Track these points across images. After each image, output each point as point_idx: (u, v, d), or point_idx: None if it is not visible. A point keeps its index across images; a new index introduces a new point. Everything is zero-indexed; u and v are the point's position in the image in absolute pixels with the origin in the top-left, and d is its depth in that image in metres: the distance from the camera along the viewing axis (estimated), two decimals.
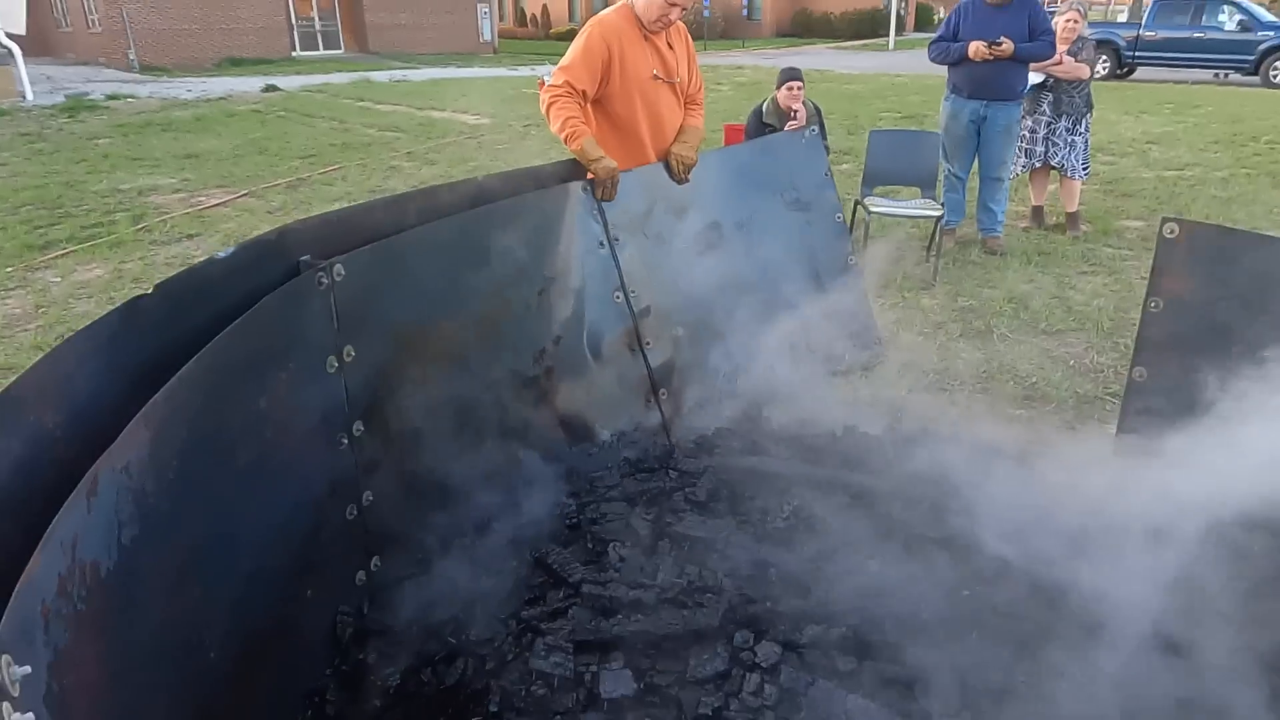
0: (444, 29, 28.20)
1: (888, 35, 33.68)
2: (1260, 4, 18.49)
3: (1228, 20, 17.08)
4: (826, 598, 1.70)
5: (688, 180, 3.10)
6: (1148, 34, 17.39)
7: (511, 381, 2.55)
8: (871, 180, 5.48)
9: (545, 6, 39.78)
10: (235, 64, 22.44)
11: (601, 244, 2.83)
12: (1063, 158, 5.61)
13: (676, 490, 2.20)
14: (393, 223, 2.42)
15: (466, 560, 2.04)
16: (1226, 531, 2.08)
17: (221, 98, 15.44)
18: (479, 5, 29.24)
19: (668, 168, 3.07)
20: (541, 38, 38.18)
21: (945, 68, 5.47)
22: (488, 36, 29.72)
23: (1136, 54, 17.28)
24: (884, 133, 5.73)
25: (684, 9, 2.89)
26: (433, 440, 2.27)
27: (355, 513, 2.18)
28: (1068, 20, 5.33)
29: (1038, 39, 5.05)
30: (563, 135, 2.82)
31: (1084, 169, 5.72)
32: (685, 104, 3.26)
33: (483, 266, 2.48)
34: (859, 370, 3.85)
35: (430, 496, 2.27)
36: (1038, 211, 6.16)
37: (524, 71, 21.48)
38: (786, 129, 4.85)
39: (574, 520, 2.15)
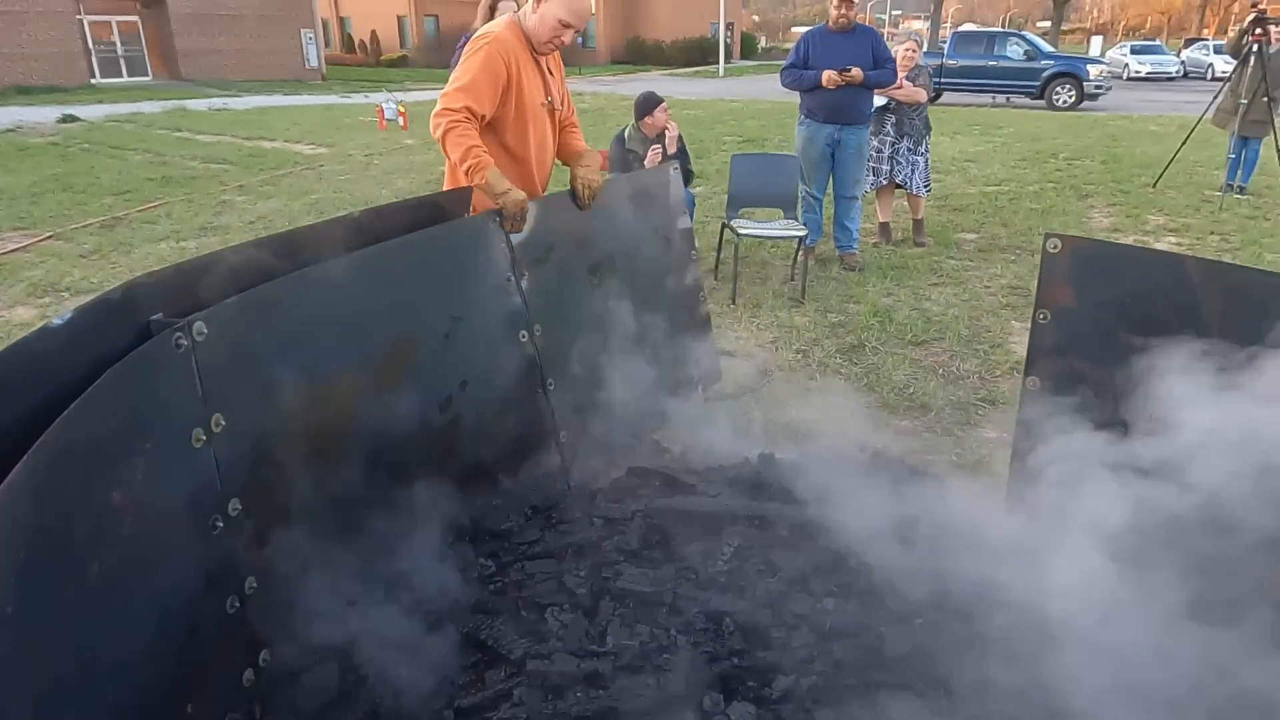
0: (265, 55, 26.72)
1: (717, 63, 35.17)
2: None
3: (1016, 51, 19.04)
4: (789, 644, 1.62)
5: (590, 207, 2.95)
6: (950, 62, 19.06)
7: (416, 436, 2.33)
8: (736, 203, 5.58)
9: (374, 33, 38.61)
10: (23, 92, 20.19)
11: (509, 279, 2.65)
12: (906, 175, 5.98)
13: (605, 540, 2.06)
14: (257, 269, 2.14)
15: (379, 642, 1.81)
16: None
17: (10, 129, 13.80)
18: (303, 30, 27.95)
19: (573, 194, 2.90)
20: (372, 64, 37.00)
21: (791, 92, 5.69)
22: (314, 63, 28.44)
23: (942, 80, 18.87)
24: (746, 156, 5.87)
25: (577, 31, 2.78)
26: (327, 510, 2.02)
27: (237, 604, 1.89)
28: (906, 49, 5.70)
29: (881, 66, 5.35)
30: (464, 166, 2.61)
31: (926, 186, 6.12)
32: (562, 128, 3.15)
33: (382, 310, 2.24)
34: (747, 393, 3.88)
35: (327, 573, 2.01)
36: (885, 227, 6.50)
37: (358, 99, 20.66)
38: (649, 156, 4.84)
39: (498, 584, 1.96)
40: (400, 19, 39.27)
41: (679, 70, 35.51)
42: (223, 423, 1.83)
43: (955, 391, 3.98)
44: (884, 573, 1.86)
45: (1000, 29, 27.28)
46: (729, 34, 39.35)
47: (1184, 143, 8.77)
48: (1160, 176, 8.71)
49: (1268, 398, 1.93)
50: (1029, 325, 4.94)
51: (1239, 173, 8.08)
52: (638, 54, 38.30)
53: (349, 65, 35.75)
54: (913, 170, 5.99)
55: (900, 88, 5.63)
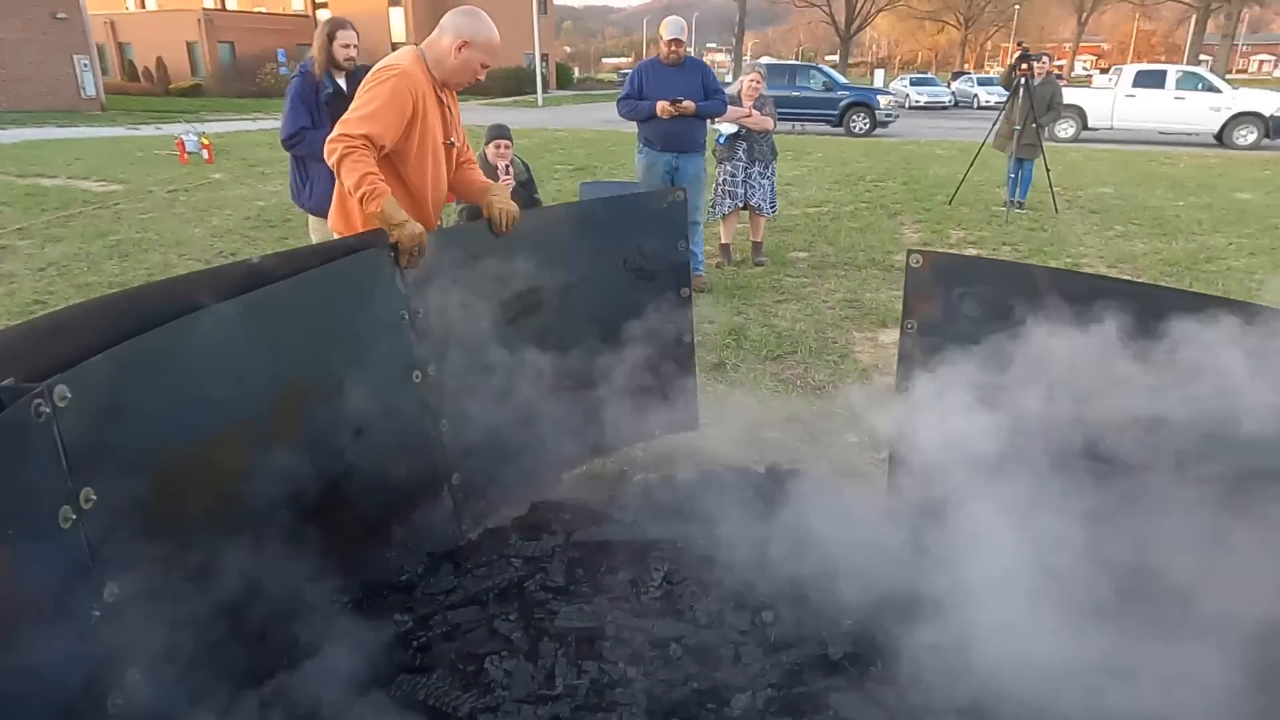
0: (31, 83, 23.99)
1: (535, 92, 35.43)
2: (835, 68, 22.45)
3: (815, 82, 20.57)
4: (739, 660, 1.64)
5: (509, 233, 2.82)
6: None
7: (312, 490, 2.16)
8: None
9: (160, 60, 35.66)
10: None
11: (404, 316, 2.51)
12: (758, 198, 6.30)
13: (527, 579, 2.00)
14: (120, 324, 1.92)
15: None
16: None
17: None
18: (76, 57, 25.35)
19: (490, 222, 2.79)
20: (160, 93, 34.14)
21: (616, 121, 5.86)
22: (92, 92, 25.84)
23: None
24: (595, 184, 5.96)
25: (489, 69, 2.76)
26: (222, 581, 1.83)
27: (120, 701, 1.68)
28: (751, 80, 6.03)
29: (711, 97, 5.61)
30: (359, 192, 2.48)
31: (772, 207, 6.48)
32: (459, 165, 3.03)
33: (272, 357, 2.07)
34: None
35: (229, 654, 1.82)
36: (726, 249, 6.79)
37: (149, 131, 18.98)
38: (500, 184, 4.80)
39: (421, 639, 1.85)
40: (191, 45, 36.60)
41: (498, 100, 35.44)
42: (94, 497, 1.63)
43: (815, 402, 4.20)
44: (807, 578, 1.94)
45: (798, 62, 29.38)
46: (544, 64, 39.78)
47: (971, 165, 9.81)
48: (954, 195, 9.68)
49: (1098, 379, 2.18)
50: (869, 335, 5.32)
51: (1018, 190, 9.13)
52: None
53: (133, 94, 32.75)
54: (762, 192, 6.36)
55: (750, 116, 5.95)
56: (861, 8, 48.78)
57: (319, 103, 4.16)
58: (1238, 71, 51.52)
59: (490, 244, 2.84)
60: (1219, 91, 17.94)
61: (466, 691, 1.63)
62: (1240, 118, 17.49)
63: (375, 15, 38.73)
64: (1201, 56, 39.23)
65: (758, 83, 6.07)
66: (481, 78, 2.80)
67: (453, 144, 2.89)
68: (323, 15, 43.70)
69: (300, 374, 2.17)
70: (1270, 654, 1.67)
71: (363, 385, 2.37)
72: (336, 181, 2.76)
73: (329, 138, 2.54)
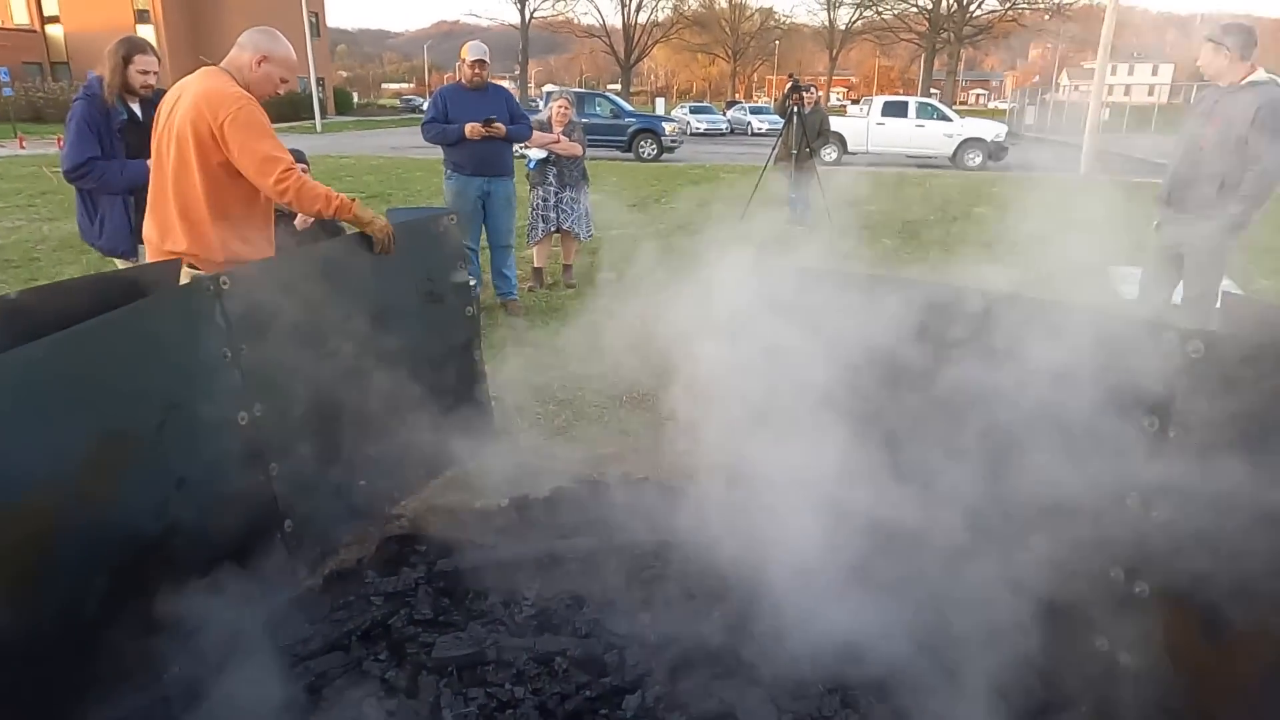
0: None
1: (313, 118, 33.68)
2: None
3: (604, 110, 21.21)
4: (624, 663, 1.68)
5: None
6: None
7: (131, 554, 1.94)
8: None
9: None
10: None
11: (225, 354, 2.31)
12: (571, 222, 6.39)
13: (391, 616, 1.92)
14: None
15: None
16: None
17: None
18: None
19: (371, 241, 2.85)
20: None
21: (402, 149, 5.80)
22: None
23: None
24: (400, 210, 5.76)
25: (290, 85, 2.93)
26: (35, 656, 1.61)
27: None
28: (559, 107, 6.12)
29: (517, 122, 5.66)
30: (332, 207, 2.75)
31: (587, 231, 6.61)
32: None
33: (80, 405, 1.84)
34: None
35: None
36: (538, 272, 6.84)
37: None
38: (298, 219, 4.55)
39: (290, 693, 1.72)
40: None
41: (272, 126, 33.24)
42: None
43: (644, 415, 4.34)
44: (673, 577, 2.02)
45: (584, 90, 30.17)
46: (321, 89, 37.95)
47: (756, 187, 10.55)
48: (744, 213, 10.36)
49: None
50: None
51: (797, 209, 9.95)
52: None
53: None
54: (575, 216, 6.45)
55: (559, 142, 6.03)
56: (639, 39, 51.03)
57: (111, 130, 3.70)
58: (960, 103, 59.29)
59: (306, 274, 2.72)
60: (951, 120, 20.56)
61: None
62: (969, 143, 20.14)
63: (121, 30, 35.08)
64: (931, 90, 44.76)
65: (566, 109, 6.19)
66: (281, 92, 2.94)
67: None
68: (54, 30, 39.03)
69: (117, 421, 1.96)
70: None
71: (184, 432, 2.17)
72: (167, 211, 2.82)
73: (273, 183, 2.68)
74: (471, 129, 5.40)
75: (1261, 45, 4.23)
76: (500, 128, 5.44)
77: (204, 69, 2.83)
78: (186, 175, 2.78)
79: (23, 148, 19.26)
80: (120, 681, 1.75)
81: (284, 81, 2.88)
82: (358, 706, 1.62)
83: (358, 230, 2.88)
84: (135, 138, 3.68)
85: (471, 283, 5.40)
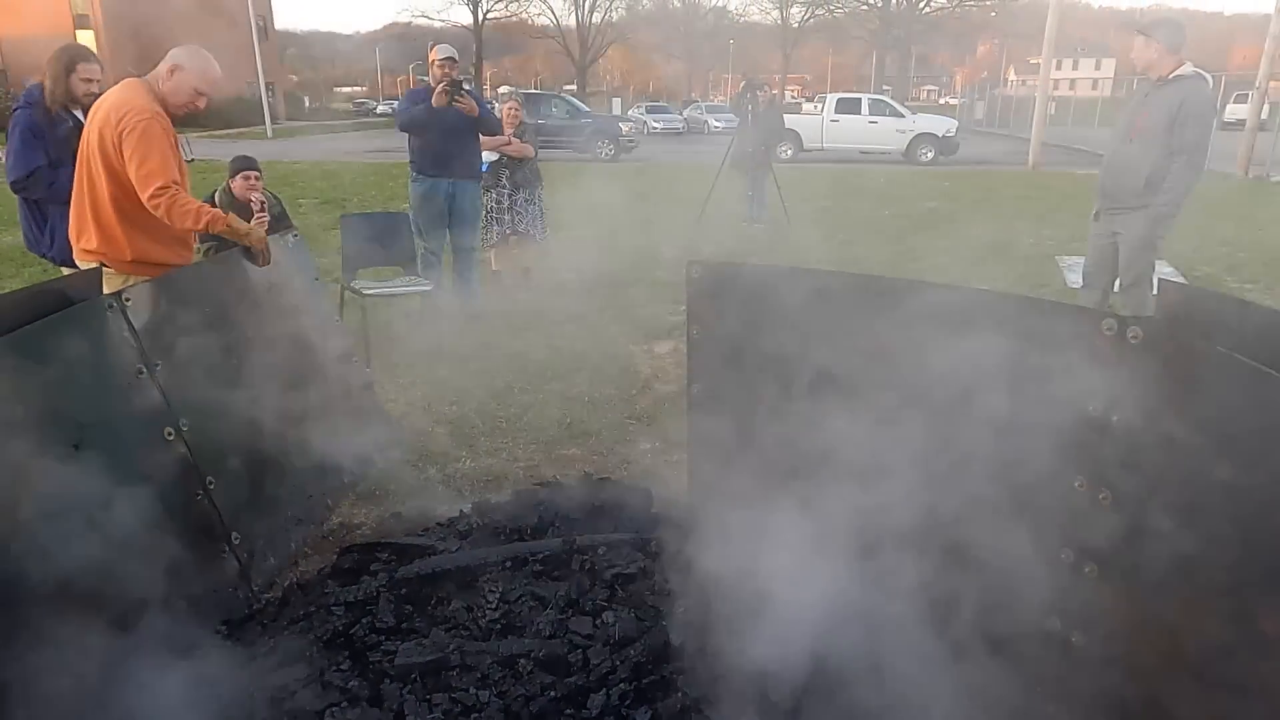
0: None
1: (263, 123, 33.08)
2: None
3: (560, 110, 21.17)
4: (588, 663, 1.69)
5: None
6: None
7: (55, 587, 1.89)
8: (351, 264, 5.40)
9: None
10: None
11: (141, 371, 2.28)
12: (526, 224, 6.36)
13: (352, 626, 1.90)
14: None
15: None
16: None
17: None
18: None
19: (249, 253, 2.98)
20: None
21: (357, 154, 5.72)
22: None
23: None
24: (356, 217, 5.71)
25: (209, 98, 2.99)
26: None
27: None
28: (509, 108, 6.09)
29: (482, 110, 5.61)
30: (203, 222, 2.83)
31: (542, 232, 6.58)
32: None
33: None
34: (409, 452, 3.79)
35: None
36: (498, 275, 6.81)
37: None
38: (254, 222, 4.49)
39: (243, 709, 1.70)
40: None
41: (220, 132, 32.57)
42: None
43: (606, 415, 4.35)
44: (635, 577, 2.03)
45: (540, 90, 30.07)
46: (270, 93, 37.28)
47: (713, 185, 10.61)
48: (701, 214, 10.42)
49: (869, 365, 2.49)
50: (645, 349, 5.59)
51: (754, 206, 10.03)
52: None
53: None
54: (531, 219, 6.42)
55: (510, 144, 5.99)
56: (594, 40, 50.92)
57: (58, 138, 3.64)
58: (912, 99, 60.28)
59: (207, 288, 2.86)
60: (903, 116, 20.89)
61: None
62: (921, 138, 20.49)
63: (60, 36, 34.14)
64: (884, 86, 45.43)
65: (516, 109, 6.17)
66: (199, 105, 3.02)
67: (191, 160, 2.97)
68: None
69: (24, 446, 1.91)
70: None
71: (107, 453, 2.13)
72: (83, 210, 2.96)
73: (148, 199, 2.76)
74: (438, 97, 5.28)
75: (1192, 40, 4.38)
76: (470, 103, 5.37)
77: (126, 80, 2.95)
78: (97, 179, 2.90)
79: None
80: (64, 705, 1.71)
81: (200, 94, 2.94)
82: (321, 718, 1.60)
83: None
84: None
85: (428, 287, 5.39)
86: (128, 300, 2.24)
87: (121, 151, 2.80)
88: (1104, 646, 1.93)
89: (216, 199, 4.74)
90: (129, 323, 2.25)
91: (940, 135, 20.42)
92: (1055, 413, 1.91)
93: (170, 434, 2.39)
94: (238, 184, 4.70)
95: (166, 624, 2.20)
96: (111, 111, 2.84)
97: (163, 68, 2.91)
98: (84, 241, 3.00)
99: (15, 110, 3.70)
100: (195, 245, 4.76)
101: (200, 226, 2.86)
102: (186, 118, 3.09)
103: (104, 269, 2.89)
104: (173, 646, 2.09)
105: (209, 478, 2.54)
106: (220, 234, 2.95)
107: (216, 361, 2.73)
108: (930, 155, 20.36)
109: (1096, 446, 1.87)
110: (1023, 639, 2.03)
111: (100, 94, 3.80)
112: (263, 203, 4.81)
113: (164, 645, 2.04)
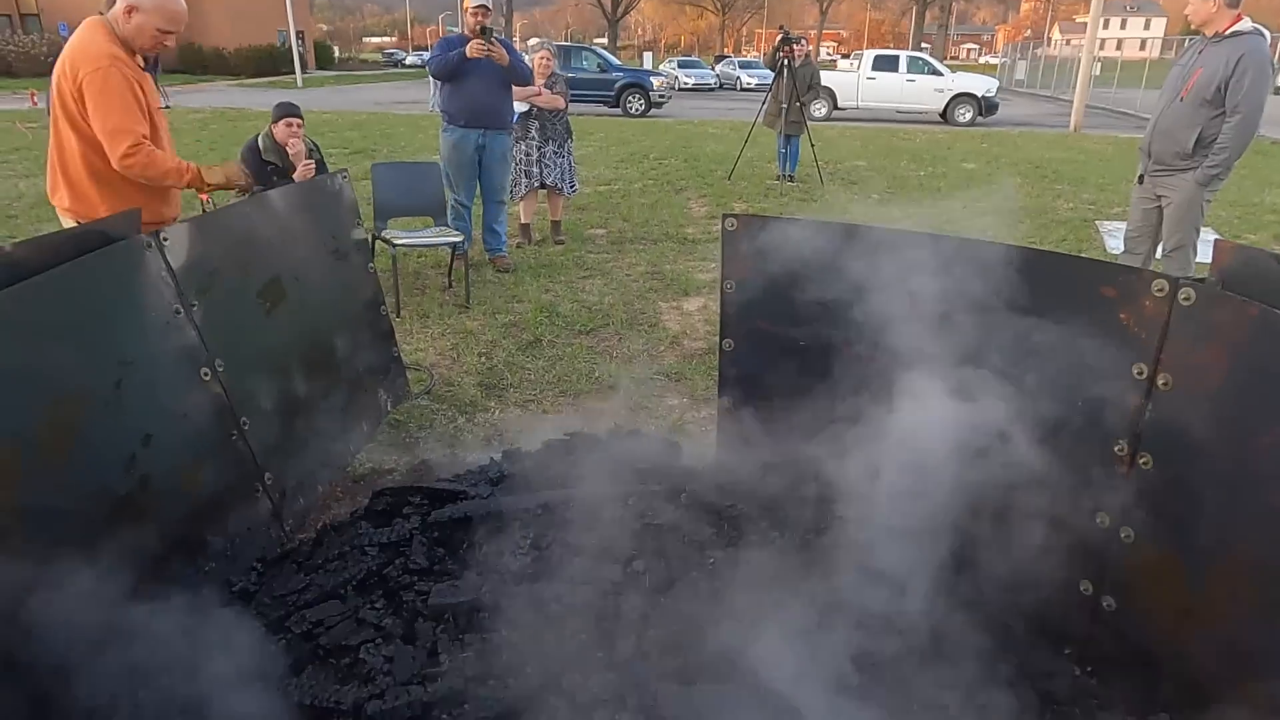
0: None
1: (292, 72, 32.96)
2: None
3: (590, 64, 20.84)
4: (620, 610, 1.70)
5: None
6: None
7: (101, 507, 1.93)
8: (383, 213, 5.39)
9: None
10: None
11: (177, 311, 2.30)
12: (555, 177, 6.29)
13: (386, 567, 1.93)
14: None
15: None
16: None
17: None
18: None
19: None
20: None
21: (385, 104, 5.65)
22: None
23: None
24: (388, 166, 5.68)
25: (176, 35, 2.83)
26: (42, 617, 1.61)
27: None
28: (541, 58, 5.98)
29: (513, 59, 5.53)
30: (185, 179, 2.87)
31: (571, 186, 6.51)
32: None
33: (31, 365, 1.82)
34: (438, 401, 3.82)
35: (62, 693, 1.61)
36: (526, 229, 6.77)
37: None
38: (300, 171, 4.49)
39: (281, 641, 1.74)
40: None
41: (249, 81, 32.53)
42: None
43: (633, 370, 4.34)
44: (666, 527, 2.04)
45: (571, 44, 29.62)
46: (300, 42, 37.06)
47: (745, 142, 10.44)
48: (732, 171, 10.27)
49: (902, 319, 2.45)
50: (674, 305, 5.55)
51: (787, 164, 9.86)
52: (196, 62, 34.21)
53: None
54: (559, 171, 6.35)
55: (540, 95, 5.91)
56: None
57: None
58: (951, 58, 58.67)
59: (246, 230, 2.80)
60: (941, 75, 20.34)
61: (345, 684, 1.56)
62: (959, 98, 19.96)
63: None
64: (923, 44, 44.20)
65: (548, 59, 6.07)
66: (168, 44, 2.84)
67: (168, 106, 2.94)
68: None
69: (73, 379, 1.94)
70: None
71: (147, 389, 2.16)
72: (54, 166, 2.87)
73: (120, 159, 2.71)
74: (473, 46, 5.24)
75: None
76: (501, 52, 5.31)
77: (87, 20, 2.77)
78: (64, 135, 2.77)
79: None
80: (105, 636, 1.75)
81: (164, 33, 2.76)
82: (355, 652, 1.63)
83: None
84: None
85: (459, 239, 5.38)
86: (166, 239, 2.25)
87: (82, 104, 2.67)
88: (1137, 612, 1.91)
89: (260, 143, 4.74)
90: (166, 262, 2.26)
91: (979, 95, 19.87)
92: (1098, 374, 1.87)
93: (206, 374, 2.41)
94: (280, 129, 4.69)
95: (204, 559, 2.27)
96: (67, 61, 2.69)
97: (119, 7, 2.71)
98: (57, 199, 2.90)
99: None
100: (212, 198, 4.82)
101: (183, 182, 2.84)
102: (202, 65, 3.04)
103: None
104: (209, 581, 2.14)
105: (243, 418, 2.57)
106: (198, 185, 2.95)
107: (251, 303, 2.75)
108: (969, 116, 19.85)
109: (1140, 409, 1.84)
110: (1053, 602, 2.02)
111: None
112: (310, 150, 4.80)
113: (201, 580, 2.08)
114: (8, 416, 1.75)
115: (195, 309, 2.38)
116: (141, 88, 2.77)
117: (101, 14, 2.80)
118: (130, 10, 2.69)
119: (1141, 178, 4.58)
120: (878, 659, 1.69)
